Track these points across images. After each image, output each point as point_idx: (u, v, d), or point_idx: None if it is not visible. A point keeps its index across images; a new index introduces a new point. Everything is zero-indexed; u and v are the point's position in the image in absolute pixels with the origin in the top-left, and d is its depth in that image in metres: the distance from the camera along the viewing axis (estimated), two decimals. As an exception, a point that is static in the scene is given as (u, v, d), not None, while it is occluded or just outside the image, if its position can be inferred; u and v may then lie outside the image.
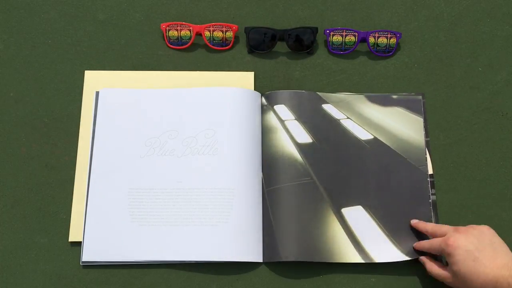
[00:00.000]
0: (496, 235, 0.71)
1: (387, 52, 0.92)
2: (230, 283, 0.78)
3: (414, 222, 0.79)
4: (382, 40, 0.91)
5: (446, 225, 0.75)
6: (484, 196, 0.83)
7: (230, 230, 0.78)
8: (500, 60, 0.92)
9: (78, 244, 0.79)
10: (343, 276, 0.79)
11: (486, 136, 0.87)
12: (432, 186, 0.84)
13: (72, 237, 0.80)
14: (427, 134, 0.87)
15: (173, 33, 0.91)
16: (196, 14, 0.94)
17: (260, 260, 0.79)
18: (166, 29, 0.91)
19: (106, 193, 0.81)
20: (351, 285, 0.78)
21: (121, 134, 0.84)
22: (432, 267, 0.74)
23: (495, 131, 0.88)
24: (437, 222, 0.81)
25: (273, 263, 0.79)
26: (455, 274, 0.69)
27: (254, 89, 0.88)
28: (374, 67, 0.92)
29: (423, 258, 0.77)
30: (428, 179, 0.84)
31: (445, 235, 0.73)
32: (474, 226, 0.72)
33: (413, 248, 0.78)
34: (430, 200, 0.82)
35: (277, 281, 0.79)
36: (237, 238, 0.78)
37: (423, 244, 0.77)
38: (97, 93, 0.87)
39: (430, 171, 0.84)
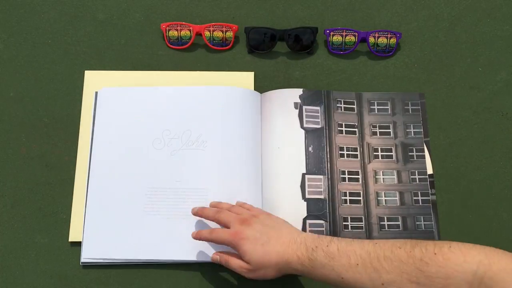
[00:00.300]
0: (277, 217, 0.74)
1: (387, 52, 0.92)
2: (230, 283, 0.78)
3: (194, 210, 0.77)
4: (382, 40, 0.91)
5: (226, 212, 0.74)
6: (484, 196, 0.83)
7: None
8: (500, 60, 0.92)
9: (78, 244, 0.79)
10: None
11: (486, 136, 0.87)
12: (432, 186, 0.84)
13: (72, 237, 0.79)
14: (427, 134, 0.87)
15: (173, 33, 0.91)
16: (196, 14, 0.94)
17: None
18: (166, 29, 0.91)
19: (105, 192, 0.81)
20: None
21: (121, 133, 0.84)
22: (231, 260, 0.72)
23: (495, 131, 0.88)
24: (437, 222, 0.81)
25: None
26: (250, 263, 0.69)
27: (254, 89, 0.88)
28: (374, 67, 0.92)
29: (218, 255, 0.74)
30: (428, 179, 0.84)
31: (225, 223, 0.72)
32: (255, 214, 0.73)
33: (192, 236, 0.75)
34: (430, 198, 0.82)
35: (278, 281, 0.78)
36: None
37: (204, 234, 0.74)
38: (97, 93, 0.87)
39: (430, 171, 0.84)
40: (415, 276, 0.58)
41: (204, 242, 0.77)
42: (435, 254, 0.58)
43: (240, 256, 0.70)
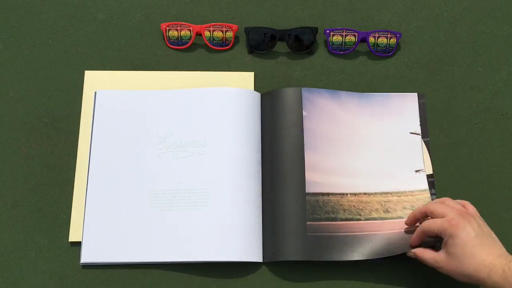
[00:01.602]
0: (489, 228, 0.71)
1: (387, 52, 0.92)
2: (230, 284, 0.78)
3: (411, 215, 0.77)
4: (382, 40, 0.91)
5: (439, 204, 0.73)
6: (484, 196, 0.83)
7: (229, 229, 0.78)
8: (500, 60, 0.92)
9: (78, 244, 0.79)
10: (345, 275, 0.79)
11: (486, 136, 0.87)
12: (432, 186, 0.84)
13: (72, 237, 0.79)
14: (427, 134, 0.87)
15: (173, 33, 0.91)
16: (196, 14, 0.94)
17: (260, 260, 0.79)
18: (166, 29, 0.91)
19: (104, 194, 0.80)
20: (351, 285, 0.78)
21: (119, 135, 0.84)
22: (425, 252, 0.72)
23: (495, 131, 0.88)
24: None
25: (273, 263, 0.79)
26: (451, 255, 0.68)
27: (254, 89, 0.88)
28: (374, 67, 0.92)
29: (415, 250, 0.74)
30: (428, 179, 0.84)
31: (442, 214, 0.71)
32: (473, 214, 0.72)
33: (408, 255, 0.75)
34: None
35: (278, 281, 0.79)
36: (236, 238, 0.78)
37: (414, 237, 0.74)
38: (96, 93, 0.87)
39: (430, 171, 0.84)
40: None
41: (203, 242, 0.77)
42: None
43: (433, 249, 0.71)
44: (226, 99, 0.85)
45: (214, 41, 0.92)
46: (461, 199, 0.83)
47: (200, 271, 0.79)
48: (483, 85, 0.90)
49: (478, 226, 0.69)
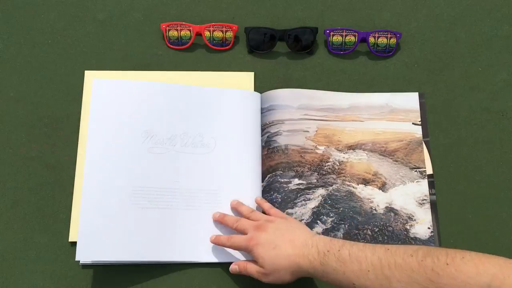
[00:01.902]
0: (294, 221, 0.74)
1: (387, 52, 0.92)
2: (230, 284, 0.78)
3: (216, 215, 0.79)
4: (382, 40, 0.91)
5: (243, 220, 0.75)
6: (484, 196, 0.83)
7: (228, 230, 0.78)
8: (500, 60, 0.92)
9: (78, 244, 0.79)
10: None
11: (486, 136, 0.87)
12: (432, 186, 0.84)
13: (72, 237, 0.79)
14: (427, 134, 0.87)
15: (173, 33, 0.91)
16: (196, 14, 0.94)
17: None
18: (166, 29, 0.91)
19: (100, 192, 0.78)
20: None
21: (115, 128, 0.81)
22: (250, 266, 0.73)
23: (495, 131, 0.88)
24: (437, 222, 0.81)
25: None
26: (263, 267, 0.70)
27: (254, 89, 0.88)
28: (374, 67, 0.92)
29: (236, 264, 0.75)
30: (428, 179, 0.84)
31: (242, 231, 0.74)
32: (271, 219, 0.74)
33: (210, 240, 0.77)
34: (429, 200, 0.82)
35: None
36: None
37: (222, 240, 0.76)
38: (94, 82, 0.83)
39: (430, 171, 0.84)
40: (425, 286, 0.57)
41: (204, 242, 0.77)
42: (447, 264, 0.57)
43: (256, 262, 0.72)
44: (226, 100, 0.85)
45: (214, 41, 0.92)
46: (461, 199, 0.83)
47: (200, 271, 0.79)
48: (483, 85, 0.90)
49: (274, 229, 0.72)
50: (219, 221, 0.78)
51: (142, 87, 0.84)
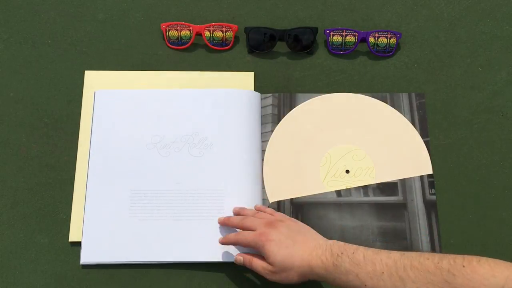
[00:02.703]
0: (303, 224, 0.74)
1: (387, 52, 0.92)
2: (230, 284, 0.78)
3: (220, 219, 0.79)
4: (382, 40, 0.91)
5: (250, 218, 0.75)
6: (484, 196, 0.83)
7: (228, 229, 0.78)
8: (500, 60, 0.92)
9: (78, 244, 0.79)
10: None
11: (486, 136, 0.87)
12: (432, 186, 0.84)
13: (72, 237, 0.79)
14: (426, 134, 0.87)
15: (173, 33, 0.91)
16: (196, 14, 0.94)
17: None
18: (166, 29, 0.91)
19: (104, 195, 0.80)
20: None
21: (118, 135, 0.84)
22: (255, 262, 0.72)
23: (495, 131, 0.88)
24: (437, 222, 0.81)
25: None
26: (273, 264, 0.69)
27: (254, 89, 0.88)
28: (374, 67, 0.92)
29: (242, 256, 0.74)
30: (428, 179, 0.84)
31: (250, 228, 0.73)
32: (282, 219, 0.74)
33: (219, 242, 0.77)
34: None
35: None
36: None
37: (230, 238, 0.75)
38: (95, 94, 0.87)
39: (430, 171, 0.84)
40: (441, 287, 0.58)
41: (205, 242, 0.77)
42: (463, 266, 0.57)
43: (263, 258, 0.71)
44: (226, 100, 0.85)
45: (214, 41, 0.92)
46: (461, 199, 0.83)
47: (200, 271, 0.79)
48: (483, 85, 0.90)
49: (285, 229, 0.71)
50: (225, 224, 0.78)
51: (143, 95, 0.86)
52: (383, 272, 0.62)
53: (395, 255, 0.63)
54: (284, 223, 0.72)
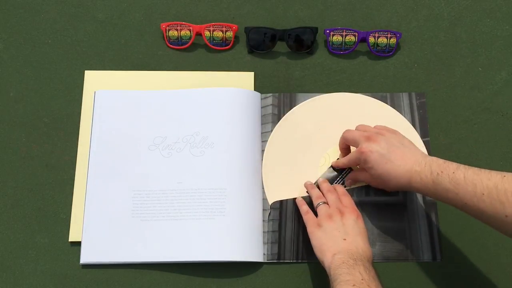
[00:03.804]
0: (404, 136, 0.76)
1: (387, 52, 0.92)
2: (231, 284, 0.78)
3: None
4: (382, 40, 0.91)
5: (351, 131, 0.79)
6: (484, 196, 0.83)
7: (228, 229, 0.78)
8: (500, 60, 0.92)
9: (78, 244, 0.79)
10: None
11: (486, 136, 0.87)
12: (432, 186, 0.84)
13: (72, 237, 0.80)
14: (426, 134, 0.87)
15: (173, 33, 0.91)
16: (196, 14, 0.94)
17: (261, 260, 0.79)
18: (166, 29, 0.91)
19: (104, 195, 0.80)
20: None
21: (119, 135, 0.84)
22: (357, 174, 0.80)
23: (495, 131, 0.88)
24: (437, 222, 0.81)
25: (274, 263, 0.79)
26: (373, 176, 0.75)
27: (254, 89, 0.89)
28: (374, 67, 0.92)
29: (350, 179, 0.82)
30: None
31: (353, 141, 0.78)
32: (382, 132, 0.76)
33: (331, 167, 0.82)
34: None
35: (278, 282, 0.79)
36: (237, 238, 0.78)
37: (342, 161, 0.81)
38: (95, 93, 0.87)
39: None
40: None
41: (206, 242, 0.78)
42: None
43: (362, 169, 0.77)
44: (226, 100, 0.86)
45: (214, 41, 0.92)
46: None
47: (200, 271, 0.79)
48: (483, 85, 0.90)
49: (386, 142, 0.73)
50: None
51: (143, 95, 0.86)
52: (483, 194, 0.63)
53: (496, 178, 0.63)
54: (384, 136, 0.75)
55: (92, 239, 0.78)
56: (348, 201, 0.77)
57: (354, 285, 0.63)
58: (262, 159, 0.85)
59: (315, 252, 0.72)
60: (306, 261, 0.79)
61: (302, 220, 0.77)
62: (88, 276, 0.78)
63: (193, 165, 0.82)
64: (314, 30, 0.91)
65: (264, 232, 0.80)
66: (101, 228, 0.79)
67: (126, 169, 0.82)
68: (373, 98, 0.89)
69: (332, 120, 0.87)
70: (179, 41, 0.92)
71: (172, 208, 0.80)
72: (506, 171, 0.62)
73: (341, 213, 0.74)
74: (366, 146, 0.74)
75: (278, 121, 0.87)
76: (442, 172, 0.67)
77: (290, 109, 0.88)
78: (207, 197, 0.80)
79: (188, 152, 0.83)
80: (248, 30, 0.91)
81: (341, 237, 0.71)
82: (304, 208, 0.78)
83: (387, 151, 0.72)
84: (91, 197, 0.80)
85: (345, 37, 0.91)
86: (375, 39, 0.91)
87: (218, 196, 0.80)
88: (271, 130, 0.86)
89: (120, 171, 0.82)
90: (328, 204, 0.76)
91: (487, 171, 0.65)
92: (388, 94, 0.89)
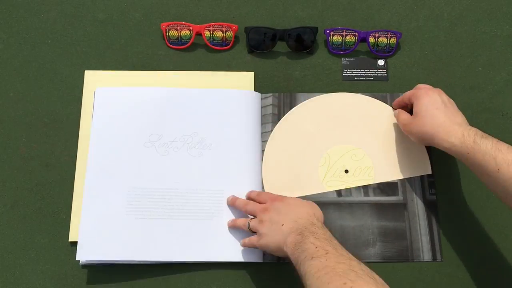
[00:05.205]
0: (449, 100, 0.79)
1: (387, 52, 0.92)
2: (230, 284, 0.78)
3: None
4: (382, 40, 0.91)
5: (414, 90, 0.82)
6: (484, 196, 0.83)
7: (228, 230, 0.78)
8: (500, 60, 0.92)
9: (78, 244, 0.79)
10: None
11: (486, 136, 0.87)
12: (432, 186, 0.84)
13: (72, 237, 0.79)
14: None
15: (173, 33, 0.91)
16: (196, 14, 0.94)
17: (261, 260, 0.79)
18: (166, 29, 0.91)
19: (101, 192, 0.79)
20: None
21: (117, 132, 0.83)
22: (401, 114, 0.81)
23: (495, 131, 0.87)
24: (437, 222, 0.81)
25: (273, 263, 0.79)
26: (416, 115, 0.77)
27: (254, 89, 0.88)
28: (374, 67, 0.92)
29: (397, 110, 0.84)
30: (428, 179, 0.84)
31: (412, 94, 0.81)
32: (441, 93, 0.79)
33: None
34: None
35: (278, 282, 0.79)
36: (238, 238, 0.78)
37: (397, 100, 0.85)
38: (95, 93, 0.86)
39: (430, 171, 0.84)
40: None
41: (204, 242, 0.78)
42: None
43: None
44: (226, 101, 0.85)
45: (214, 41, 0.92)
46: (461, 199, 0.84)
47: (200, 271, 0.79)
48: (483, 85, 0.90)
49: (446, 97, 0.77)
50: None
51: (143, 92, 0.86)
52: None
53: None
54: (445, 96, 0.78)
55: (88, 237, 0.77)
56: (265, 196, 0.77)
57: (312, 257, 0.63)
58: (262, 159, 0.85)
59: (277, 254, 0.72)
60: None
61: None
62: (88, 276, 0.78)
63: (191, 165, 0.82)
64: (314, 30, 0.91)
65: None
66: (97, 226, 0.78)
67: (123, 167, 0.81)
68: (373, 98, 0.89)
69: (332, 120, 0.87)
70: (179, 41, 0.92)
71: (169, 207, 0.79)
72: None
73: (266, 210, 0.74)
74: (424, 86, 0.80)
75: (278, 121, 0.87)
76: (487, 137, 0.70)
77: (290, 109, 0.88)
78: (205, 198, 0.80)
79: (185, 152, 0.83)
80: (248, 30, 0.91)
81: (279, 226, 0.71)
82: (244, 241, 0.77)
83: (442, 102, 0.76)
84: (88, 194, 0.79)
85: (345, 37, 0.91)
86: (375, 39, 0.91)
87: (216, 197, 0.80)
88: (271, 130, 0.86)
89: (118, 168, 0.81)
90: (253, 215, 0.76)
91: None
92: (388, 94, 0.89)
